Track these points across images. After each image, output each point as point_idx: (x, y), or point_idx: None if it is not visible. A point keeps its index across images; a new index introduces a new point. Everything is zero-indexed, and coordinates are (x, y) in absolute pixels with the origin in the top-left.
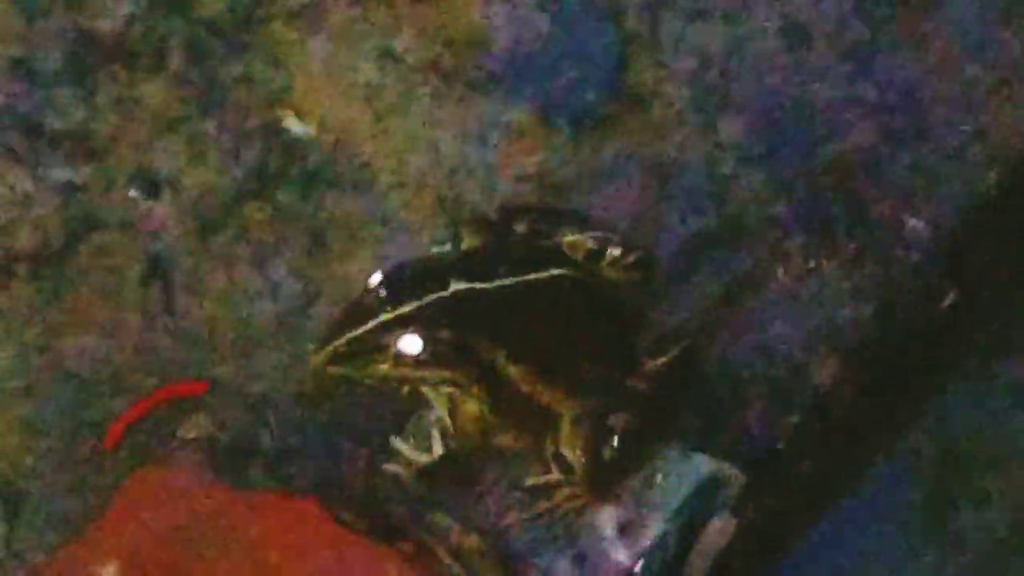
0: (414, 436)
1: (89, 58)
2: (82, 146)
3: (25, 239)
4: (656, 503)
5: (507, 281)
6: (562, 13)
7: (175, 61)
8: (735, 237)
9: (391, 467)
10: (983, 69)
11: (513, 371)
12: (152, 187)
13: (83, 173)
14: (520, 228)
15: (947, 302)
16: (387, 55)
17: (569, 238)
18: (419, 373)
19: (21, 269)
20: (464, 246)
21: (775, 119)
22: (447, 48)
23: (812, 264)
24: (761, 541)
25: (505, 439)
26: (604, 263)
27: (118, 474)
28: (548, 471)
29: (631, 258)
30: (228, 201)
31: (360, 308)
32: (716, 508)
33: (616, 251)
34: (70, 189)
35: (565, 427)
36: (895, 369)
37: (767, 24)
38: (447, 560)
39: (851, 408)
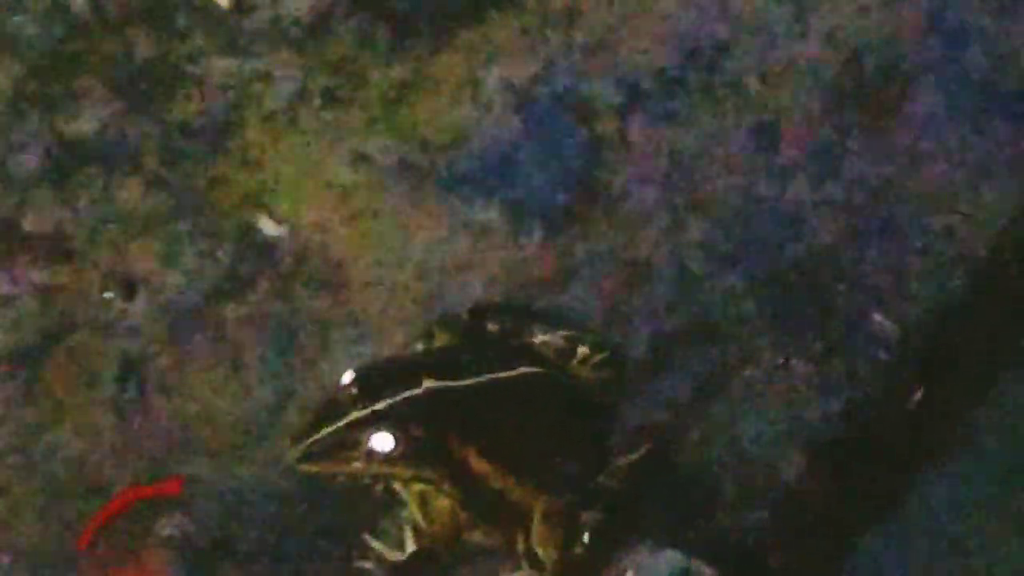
0: (387, 533)
1: (65, 161)
2: (58, 248)
3: (1, 339)
4: None
5: (478, 379)
6: (534, 115)
7: (150, 164)
8: (705, 335)
9: (364, 564)
10: (950, 168)
11: (484, 468)
12: (128, 288)
13: (59, 274)
14: (491, 327)
15: (915, 400)
16: (360, 157)
17: (540, 337)
18: (391, 470)
19: None
20: (436, 345)
21: (744, 219)
22: (420, 149)
23: (781, 361)
24: None
25: (477, 535)
26: (574, 361)
27: (93, 574)
28: (520, 567)
29: (601, 356)
30: (202, 301)
31: (333, 406)
32: None
33: (586, 349)
34: (46, 290)
35: (536, 523)
36: (864, 466)
37: (736, 126)
38: None
39: (821, 504)
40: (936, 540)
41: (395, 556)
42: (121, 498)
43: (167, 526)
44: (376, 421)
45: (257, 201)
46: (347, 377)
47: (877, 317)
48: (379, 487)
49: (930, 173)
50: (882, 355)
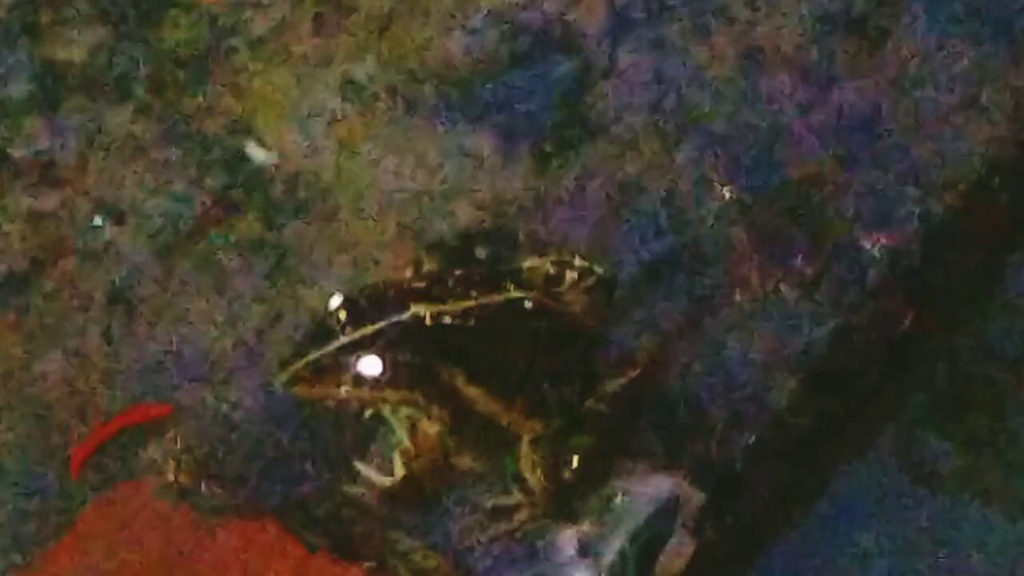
0: (376, 458)
1: (54, 88)
2: (47, 174)
3: None
4: (616, 523)
5: (467, 304)
6: (523, 42)
7: (139, 91)
8: (694, 261)
9: (353, 489)
10: (939, 94)
11: (473, 393)
12: (116, 215)
13: (48, 201)
14: (480, 253)
15: (905, 324)
16: (349, 84)
17: (528, 262)
18: (379, 395)
19: None
20: (425, 270)
21: (733, 145)
22: (409, 76)
23: (770, 287)
24: (720, 561)
25: (465, 461)
26: (563, 286)
27: (82, 499)
28: (508, 492)
29: (590, 281)
30: (191, 228)
31: (321, 331)
32: (675, 528)
33: (574, 275)
34: (35, 217)
35: (524, 448)
36: (853, 391)
37: (725, 51)
38: None
39: (809, 429)
40: (918, 467)
41: (384, 481)
42: (110, 425)
43: (156, 452)
44: (364, 346)
45: (246, 128)
46: (335, 302)
47: (867, 243)
48: (367, 412)
49: (919, 99)
50: (871, 280)
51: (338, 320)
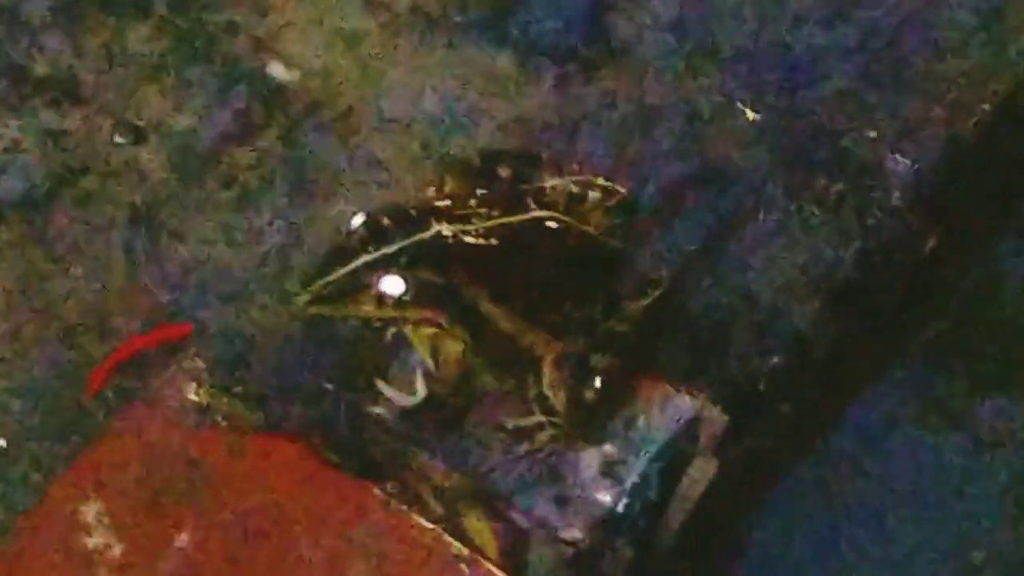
0: (398, 378)
1: (76, 5)
2: (68, 92)
3: (12, 184)
4: (638, 444)
5: (489, 224)
6: None
7: (160, 8)
8: (717, 181)
9: (375, 409)
10: (965, 12)
11: (495, 312)
12: (137, 133)
13: (69, 119)
14: (502, 172)
15: (929, 245)
16: (372, 2)
17: (550, 182)
18: (401, 314)
19: (8, 213)
20: (447, 190)
21: (756, 64)
22: None
23: (794, 207)
24: (742, 481)
25: (487, 381)
26: (586, 207)
27: (103, 417)
28: (530, 412)
29: (612, 201)
30: (212, 146)
31: (343, 250)
32: (698, 449)
33: (597, 195)
34: (57, 135)
35: (547, 368)
36: (877, 312)
37: None
38: (430, 500)
39: (832, 351)
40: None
41: (406, 400)
42: (130, 344)
43: (177, 371)
44: (386, 264)
45: (268, 46)
46: (357, 221)
47: (891, 163)
48: (389, 331)
49: (944, 19)
50: (896, 200)
51: (360, 239)
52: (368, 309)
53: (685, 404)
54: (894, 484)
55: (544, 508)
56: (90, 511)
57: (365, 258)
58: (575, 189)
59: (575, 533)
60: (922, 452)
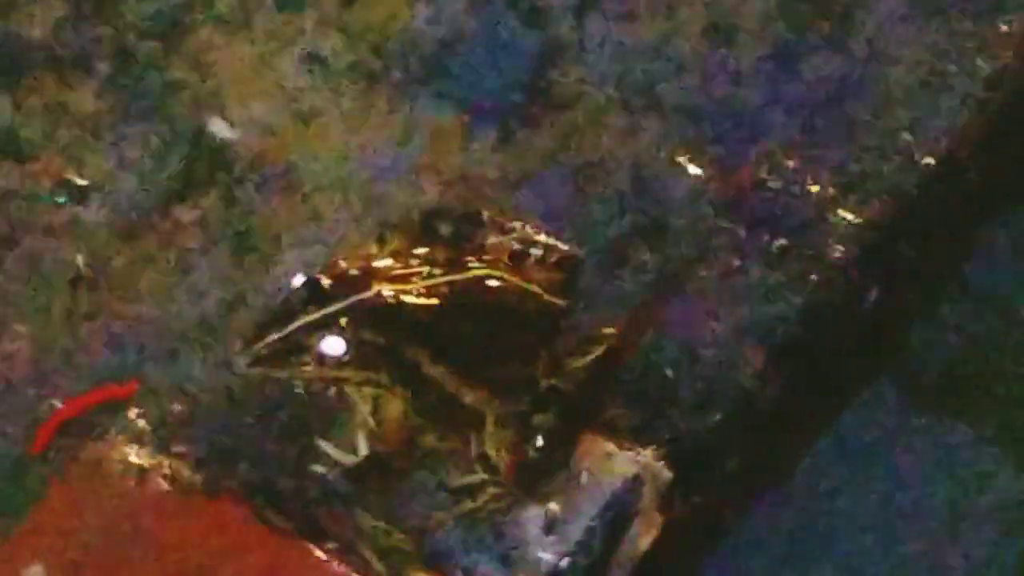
0: (340, 437)
1: (18, 64)
2: (10, 151)
3: None
4: (582, 501)
5: (431, 283)
6: (488, 16)
7: (102, 67)
8: (661, 236)
9: (318, 468)
10: (907, 66)
11: (437, 371)
12: (80, 192)
13: (11, 178)
14: (444, 231)
15: (870, 299)
16: (313, 59)
17: (492, 240)
18: (343, 374)
19: None
20: (388, 248)
21: (698, 119)
22: (373, 51)
23: (738, 262)
24: (688, 537)
25: (430, 440)
26: (528, 264)
27: (46, 476)
28: (473, 471)
29: (555, 258)
30: (155, 205)
31: (283, 310)
32: (642, 505)
33: (539, 251)
34: None
35: (489, 427)
36: (821, 365)
37: (691, 25)
38: (373, 560)
39: (777, 404)
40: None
41: (348, 460)
42: (75, 402)
43: (121, 430)
44: (327, 325)
45: (210, 104)
46: (298, 281)
47: (835, 217)
48: (331, 391)
49: (886, 73)
50: (839, 254)
51: (300, 299)
52: (309, 370)
53: (629, 461)
54: (842, 533)
55: (488, 567)
56: (31, 574)
57: (305, 319)
58: (517, 246)
59: None
60: (869, 503)
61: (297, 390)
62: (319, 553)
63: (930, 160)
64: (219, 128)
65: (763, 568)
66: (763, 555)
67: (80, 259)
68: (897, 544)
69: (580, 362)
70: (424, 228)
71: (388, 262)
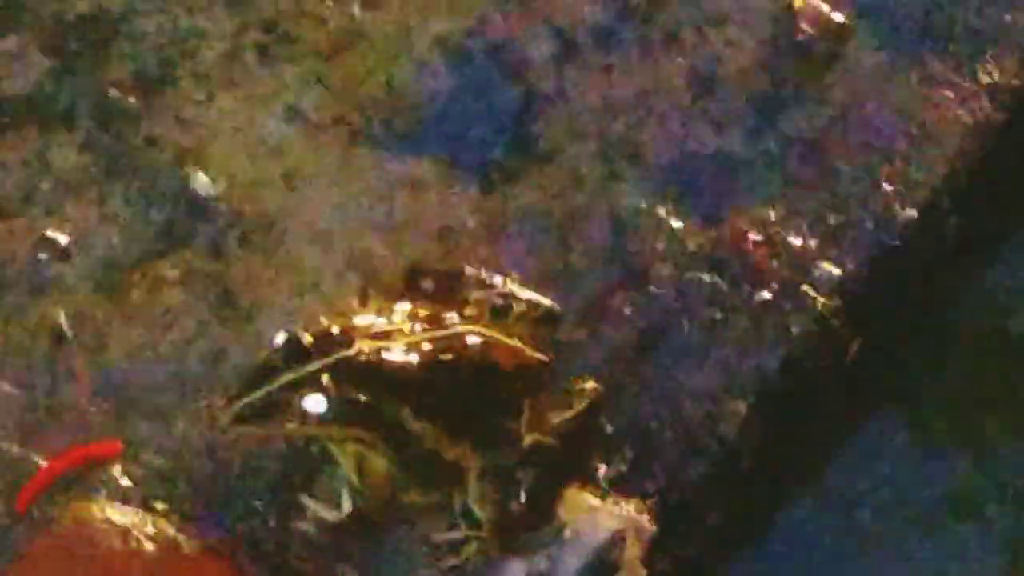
0: (323, 494)
1: None
2: None
3: None
4: (566, 556)
5: (413, 339)
6: (469, 71)
7: (84, 123)
8: (643, 289)
9: (301, 524)
10: (886, 117)
11: (419, 427)
12: (61, 249)
13: None
14: (425, 286)
15: (852, 352)
16: (295, 113)
17: (475, 295)
18: (325, 432)
19: None
20: (370, 304)
21: (681, 171)
22: (355, 106)
23: (719, 315)
24: None
25: (413, 495)
26: (510, 319)
27: (30, 536)
28: (456, 526)
29: (537, 312)
30: (137, 262)
31: (266, 367)
32: (626, 559)
33: (522, 307)
34: None
35: (472, 482)
36: (803, 418)
37: (672, 77)
38: None
39: (760, 456)
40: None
41: (332, 516)
42: (57, 463)
43: (104, 488)
44: (309, 383)
45: (191, 159)
46: (280, 338)
47: (816, 270)
48: (314, 448)
49: (867, 124)
50: (820, 307)
51: (282, 357)
52: (292, 427)
53: (612, 515)
54: None
55: None
56: None
57: (287, 377)
58: (499, 301)
59: None
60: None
61: (280, 447)
62: None
63: (911, 211)
64: (201, 184)
65: None
66: None
67: (61, 315)
68: None
69: (563, 416)
70: (406, 284)
71: (370, 319)
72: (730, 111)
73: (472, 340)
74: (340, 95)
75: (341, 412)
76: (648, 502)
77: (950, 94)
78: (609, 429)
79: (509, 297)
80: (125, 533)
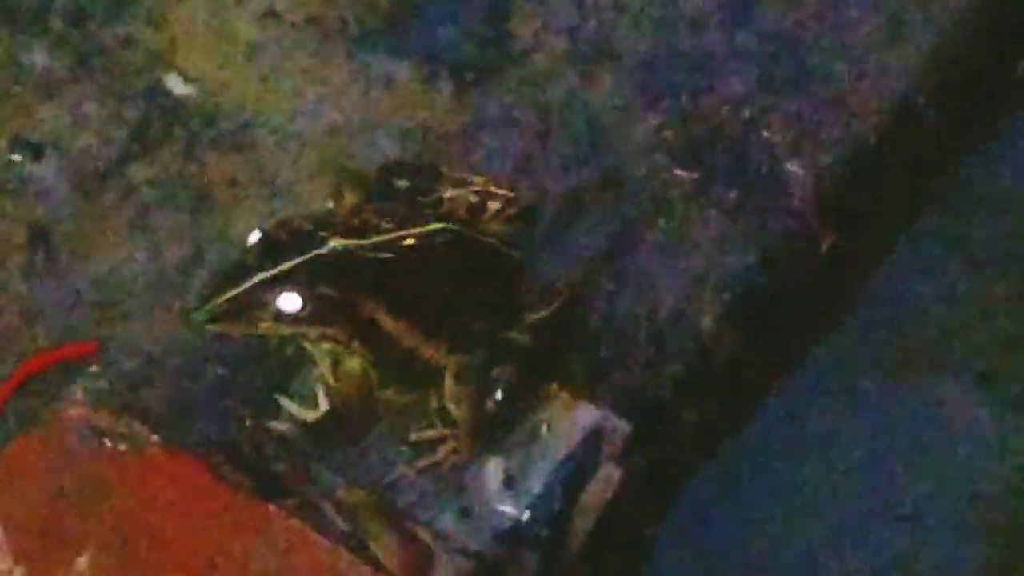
0: (299, 393)
1: None
2: None
3: None
4: (542, 455)
5: (387, 237)
6: None
7: (56, 23)
8: (617, 188)
9: (277, 425)
10: (861, 14)
11: (394, 327)
12: (35, 150)
13: None
14: (400, 184)
15: (825, 246)
16: (269, 14)
17: (450, 193)
18: (300, 330)
19: None
20: (345, 203)
21: (655, 69)
22: (328, 5)
23: (694, 213)
24: (647, 488)
25: (389, 395)
26: (485, 217)
27: (4, 438)
28: (432, 426)
29: (512, 211)
30: (111, 163)
31: (240, 266)
32: (602, 459)
33: (497, 204)
34: None
35: (448, 381)
36: (778, 317)
37: None
38: (333, 515)
39: (734, 355)
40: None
41: (308, 415)
42: (32, 363)
43: (79, 390)
44: (283, 281)
45: (165, 60)
46: (254, 237)
47: (789, 166)
48: (289, 347)
49: (842, 20)
50: (794, 203)
51: (257, 256)
52: (266, 327)
53: (588, 414)
54: (803, 486)
55: (448, 521)
56: None
57: (261, 275)
58: (474, 199)
59: (479, 545)
60: (833, 452)
61: (256, 346)
62: (278, 510)
63: (886, 107)
64: (175, 85)
65: (716, 541)
66: (717, 528)
67: (36, 217)
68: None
69: (539, 315)
70: (381, 183)
71: (344, 217)
72: (705, 8)
73: (447, 238)
74: None
75: (316, 311)
76: (624, 401)
77: None
78: (585, 327)
79: (484, 195)
80: (101, 435)
